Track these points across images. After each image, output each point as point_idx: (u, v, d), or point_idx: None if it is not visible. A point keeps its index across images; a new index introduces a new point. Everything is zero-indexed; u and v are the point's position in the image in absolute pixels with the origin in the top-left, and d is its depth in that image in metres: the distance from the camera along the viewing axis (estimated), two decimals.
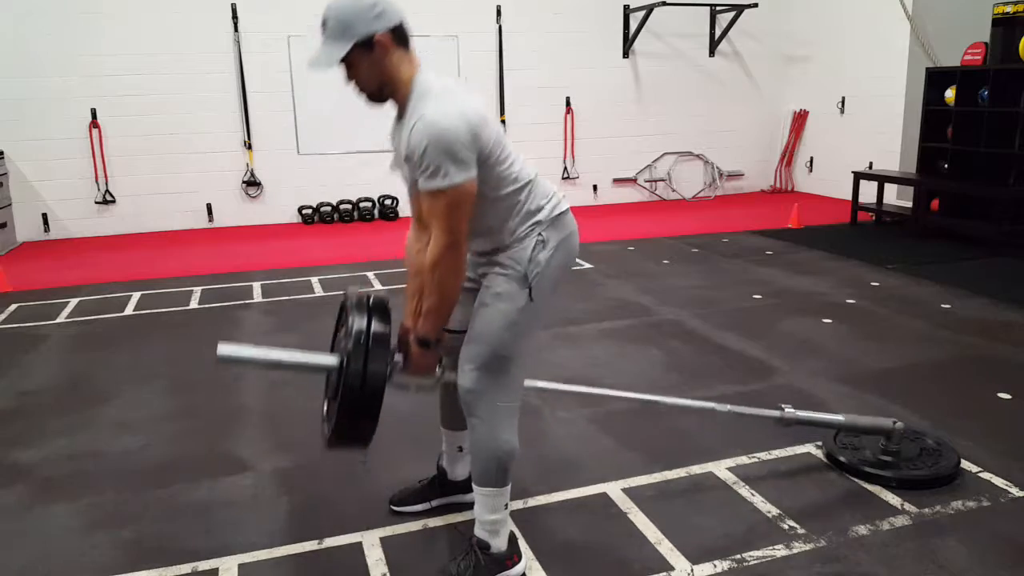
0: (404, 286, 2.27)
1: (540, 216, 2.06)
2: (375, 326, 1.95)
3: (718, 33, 9.03)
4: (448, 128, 1.82)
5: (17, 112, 7.14)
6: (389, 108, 2.09)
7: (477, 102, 1.95)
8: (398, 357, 2.07)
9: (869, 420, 2.76)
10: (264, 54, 7.67)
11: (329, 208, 8.10)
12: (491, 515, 2.10)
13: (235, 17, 7.54)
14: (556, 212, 2.09)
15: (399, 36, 1.95)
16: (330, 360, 2.04)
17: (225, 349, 1.95)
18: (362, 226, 7.99)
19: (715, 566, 2.20)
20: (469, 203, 1.89)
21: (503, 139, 2.00)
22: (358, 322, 1.95)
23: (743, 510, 2.49)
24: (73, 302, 5.15)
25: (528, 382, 2.22)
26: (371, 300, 2.01)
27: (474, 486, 2.11)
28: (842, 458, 2.72)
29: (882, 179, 7.32)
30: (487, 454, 2.05)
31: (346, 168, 8.07)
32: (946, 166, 6.99)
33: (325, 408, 2.17)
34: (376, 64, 1.93)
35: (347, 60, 1.93)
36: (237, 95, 7.71)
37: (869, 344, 4.03)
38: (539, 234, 2.04)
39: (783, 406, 2.67)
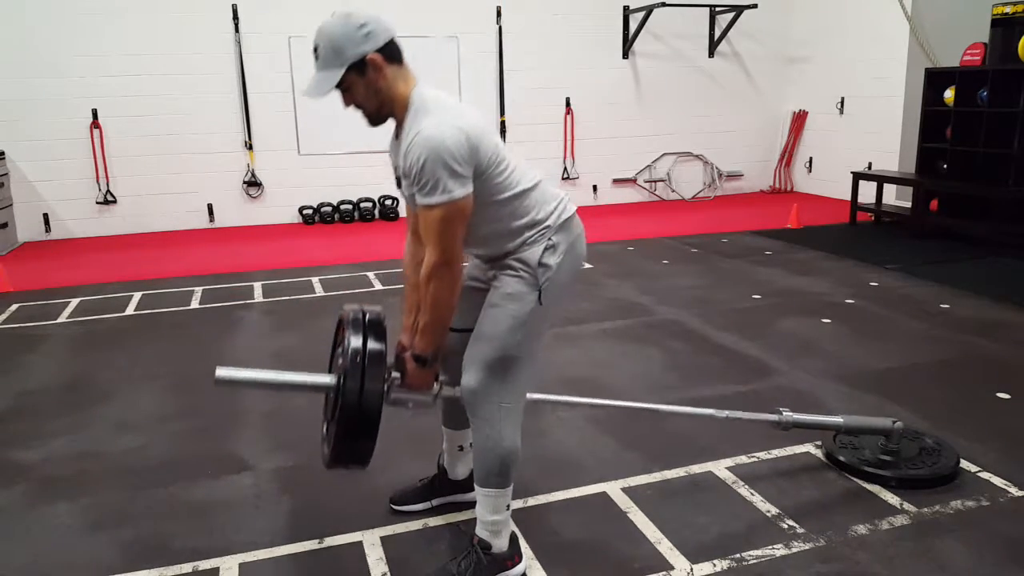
0: (403, 286, 2.28)
1: (549, 221, 2.07)
2: (370, 345, 1.95)
3: (718, 34, 9.03)
4: (445, 142, 1.83)
5: (18, 112, 7.14)
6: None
7: (474, 115, 1.96)
8: (395, 374, 2.07)
9: (868, 420, 2.76)
10: (265, 54, 7.67)
11: (330, 208, 8.11)
12: (493, 515, 2.11)
13: (236, 17, 7.55)
14: (564, 216, 2.10)
15: (391, 54, 1.94)
16: (327, 380, 2.03)
17: (223, 372, 1.96)
18: (363, 226, 8.00)
19: (715, 565, 2.20)
20: (463, 219, 1.90)
21: (501, 148, 2.01)
22: (353, 341, 1.95)
23: (742, 509, 2.50)
24: (74, 302, 5.15)
25: (531, 395, 2.22)
26: (366, 318, 2.01)
27: (476, 487, 2.11)
28: (842, 457, 2.73)
29: (881, 179, 7.33)
30: (490, 455, 2.05)
31: (347, 168, 8.07)
32: (945, 166, 6.99)
33: (324, 429, 2.17)
34: (372, 85, 1.93)
35: (342, 85, 1.93)
36: (238, 95, 7.71)
37: (868, 344, 4.04)
38: (548, 238, 2.05)
39: (781, 410, 2.67)
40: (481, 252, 2.13)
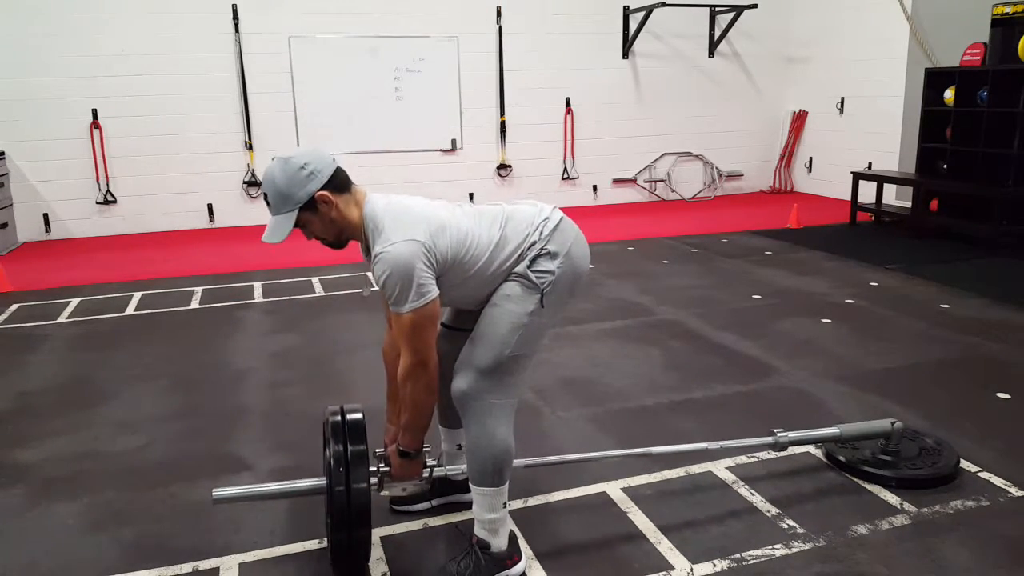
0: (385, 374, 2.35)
1: (533, 238, 2.08)
2: (351, 448, 2.05)
3: (717, 34, 9.03)
4: (402, 259, 1.91)
5: (18, 112, 7.14)
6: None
7: (426, 214, 1.99)
8: (384, 468, 2.19)
9: (865, 426, 2.74)
10: (265, 54, 7.68)
11: None
12: (490, 514, 2.11)
13: (236, 18, 7.55)
14: (549, 226, 2.09)
15: (337, 185, 2.01)
16: (319, 483, 2.16)
17: (220, 493, 2.15)
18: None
19: (714, 565, 2.20)
20: (433, 323, 1.98)
21: (459, 230, 2.02)
22: (334, 446, 2.05)
23: (742, 509, 2.50)
24: (74, 302, 5.15)
25: (519, 461, 2.24)
26: (346, 420, 2.11)
27: (471, 486, 2.11)
28: (841, 457, 2.73)
29: (881, 179, 7.33)
30: (482, 453, 2.05)
31: (346, 168, 8.03)
32: (945, 166, 7.00)
33: (326, 527, 2.26)
34: (325, 218, 2.01)
35: (299, 224, 2.00)
36: (238, 95, 7.71)
37: (868, 344, 4.04)
38: (540, 249, 2.06)
39: (775, 431, 2.65)
40: (477, 309, 2.14)
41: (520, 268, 2.06)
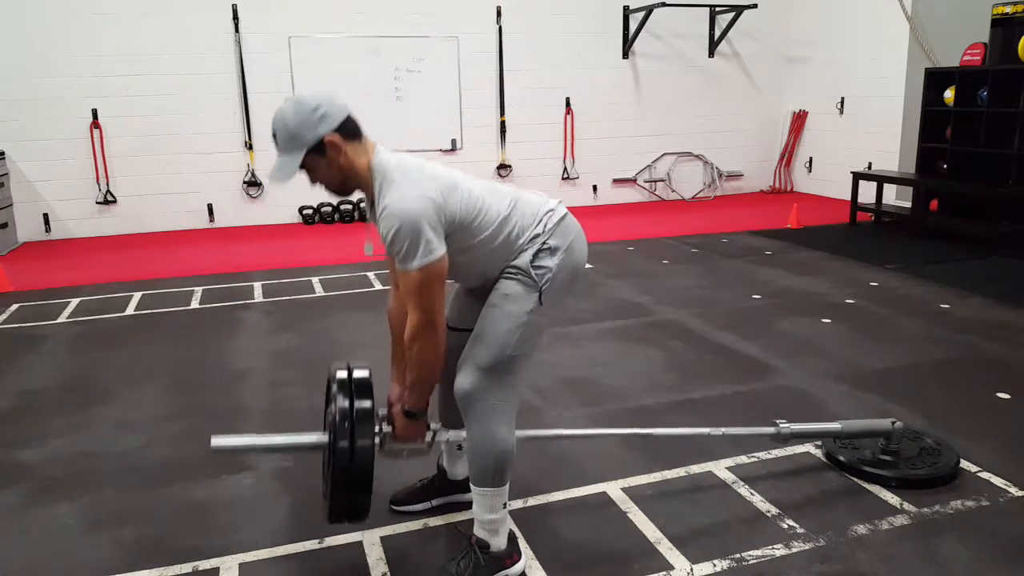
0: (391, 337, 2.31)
1: (537, 229, 2.08)
2: (357, 404, 2.00)
3: (717, 34, 9.03)
4: (412, 213, 1.87)
5: (18, 112, 7.14)
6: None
7: (436, 172, 1.98)
8: (387, 427, 2.14)
9: (866, 424, 2.75)
10: (265, 54, 7.68)
11: (330, 208, 8.11)
12: (490, 515, 2.11)
13: (236, 18, 7.55)
14: (554, 220, 2.10)
15: (348, 131, 1.97)
16: (320, 439, 2.10)
17: (218, 441, 2.06)
18: (363, 226, 7.99)
19: (714, 565, 2.20)
20: (440, 280, 1.94)
21: (471, 193, 2.02)
22: (340, 401, 2.00)
23: (742, 509, 2.50)
24: (74, 302, 5.15)
25: (522, 432, 2.23)
26: (352, 376, 2.06)
27: (472, 486, 2.11)
28: (841, 457, 2.73)
29: (881, 179, 7.33)
30: (484, 453, 2.05)
31: None
32: (945, 166, 7.00)
33: (323, 485, 2.22)
34: (333, 163, 1.97)
35: (305, 166, 1.96)
36: (238, 95, 7.71)
37: (868, 344, 4.04)
38: (542, 243, 2.06)
39: (778, 422, 2.66)
40: (479, 284, 2.15)
41: (521, 262, 2.05)
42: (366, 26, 7.86)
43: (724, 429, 2.62)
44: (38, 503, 2.63)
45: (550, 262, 2.06)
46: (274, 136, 1.96)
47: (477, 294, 2.16)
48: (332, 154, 1.95)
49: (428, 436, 2.18)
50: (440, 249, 1.92)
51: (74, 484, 2.75)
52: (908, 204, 7.16)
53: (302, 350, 4.13)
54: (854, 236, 6.97)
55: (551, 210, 2.12)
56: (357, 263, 6.18)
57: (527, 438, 2.37)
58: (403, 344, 2.10)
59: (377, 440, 2.08)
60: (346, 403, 2.00)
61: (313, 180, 2.02)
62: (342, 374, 2.07)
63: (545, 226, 2.08)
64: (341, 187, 2.03)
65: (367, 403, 2.02)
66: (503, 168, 8.58)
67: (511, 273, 2.07)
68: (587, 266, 5.75)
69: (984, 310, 4.60)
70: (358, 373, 2.07)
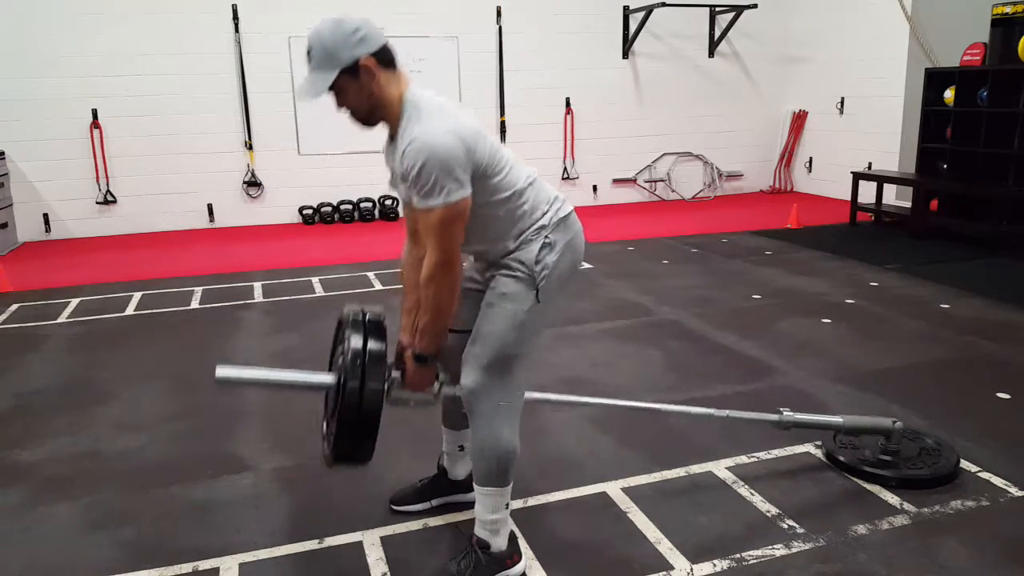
0: (402, 286, 2.28)
1: (544, 220, 2.07)
2: (371, 345, 1.96)
3: (717, 34, 9.03)
4: (442, 147, 1.84)
5: (18, 112, 7.14)
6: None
7: (470, 118, 1.96)
8: (395, 373, 2.09)
9: (868, 420, 2.76)
10: (265, 54, 7.67)
11: (330, 208, 8.10)
12: (492, 515, 2.11)
13: (236, 18, 7.55)
14: (560, 215, 2.11)
15: (384, 58, 1.94)
16: (327, 379, 2.04)
17: (223, 371, 1.97)
18: (363, 226, 8.00)
19: (714, 565, 2.20)
20: (462, 221, 1.91)
21: (498, 150, 2.01)
22: (354, 341, 1.95)
23: (742, 509, 2.50)
24: (74, 302, 5.15)
25: (530, 394, 2.22)
26: (367, 318, 2.02)
27: (475, 486, 2.11)
28: (842, 457, 2.73)
29: (881, 179, 7.33)
30: (488, 453, 2.05)
31: (347, 168, 8.07)
32: (945, 166, 7.00)
33: (324, 427, 2.18)
34: (364, 88, 1.94)
35: (335, 87, 1.93)
36: (238, 95, 7.71)
37: (868, 344, 4.04)
38: (545, 237, 2.06)
39: (781, 410, 2.68)
40: (480, 250, 2.14)
41: (524, 256, 2.04)
42: None
43: (728, 412, 2.63)
44: (38, 503, 2.63)
45: (550, 258, 2.05)
46: (308, 52, 1.92)
47: (476, 296, 2.15)
48: (365, 78, 1.92)
49: (435, 387, 2.11)
50: (465, 189, 1.88)
51: (74, 484, 2.75)
52: (908, 204, 7.15)
53: (302, 350, 4.13)
54: (854, 236, 6.97)
55: (560, 204, 2.12)
56: (357, 263, 6.17)
57: (536, 400, 2.36)
58: (415, 294, 2.08)
59: (385, 386, 2.01)
60: (360, 343, 1.94)
61: (340, 104, 1.98)
62: (356, 316, 2.02)
63: (551, 219, 2.08)
64: (368, 116, 2.00)
65: (381, 345, 1.97)
66: None
67: (511, 269, 2.05)
68: (587, 266, 5.77)
69: (984, 310, 4.60)
70: (372, 315, 2.03)
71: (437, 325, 1.99)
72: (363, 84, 1.92)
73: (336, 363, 2.10)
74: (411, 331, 2.12)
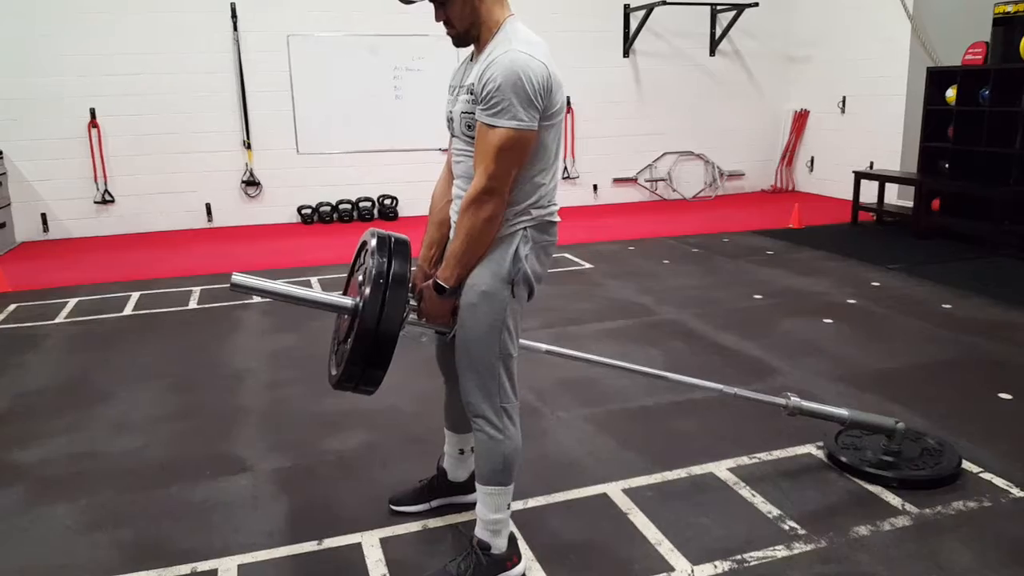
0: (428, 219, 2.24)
1: (533, 214, 2.00)
2: (395, 267, 1.88)
3: (718, 32, 9.02)
4: (527, 70, 1.82)
5: (16, 112, 7.13)
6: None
7: (555, 67, 1.94)
8: (412, 303, 2.02)
9: (872, 417, 2.76)
10: (264, 54, 7.66)
11: (328, 208, 8.09)
12: (494, 514, 2.10)
13: (235, 17, 7.53)
14: (547, 218, 2.04)
15: None
16: (346, 301, 1.98)
17: (239, 277, 1.94)
18: (362, 226, 7.98)
19: (715, 567, 2.19)
20: (522, 152, 1.86)
21: (562, 121, 2.00)
22: (378, 263, 1.87)
23: (743, 511, 2.48)
24: (72, 302, 5.14)
25: (524, 342, 2.16)
26: (392, 240, 1.94)
27: (478, 485, 2.10)
28: (843, 458, 2.72)
29: (883, 179, 7.32)
30: (493, 453, 2.04)
31: (346, 168, 8.05)
32: (947, 166, 6.98)
33: (333, 348, 2.13)
34: (470, 3, 1.94)
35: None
36: (236, 95, 7.70)
37: (870, 344, 4.03)
38: (524, 229, 1.98)
39: (788, 394, 2.68)
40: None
41: (498, 251, 1.96)
42: (365, 24, 7.84)
43: (736, 389, 2.62)
44: (36, 504, 2.62)
45: (522, 251, 1.97)
46: None
47: None
48: None
49: (452, 322, 2.02)
50: (534, 120, 1.84)
51: (73, 485, 2.74)
52: (910, 204, 7.14)
53: (302, 350, 4.12)
54: (856, 236, 6.95)
55: (555, 209, 2.06)
56: None
57: (545, 351, 2.38)
58: (439, 229, 2.09)
59: (403, 314, 1.92)
60: (384, 265, 1.86)
61: (439, 16, 1.99)
62: (381, 236, 1.94)
63: (541, 219, 2.01)
64: (465, 32, 1.99)
65: (404, 268, 1.88)
66: None
67: (488, 262, 1.96)
68: (587, 266, 5.77)
69: (986, 310, 4.59)
70: (398, 237, 1.95)
71: (466, 255, 1.92)
72: None
73: (352, 286, 2.01)
74: (430, 262, 2.13)
